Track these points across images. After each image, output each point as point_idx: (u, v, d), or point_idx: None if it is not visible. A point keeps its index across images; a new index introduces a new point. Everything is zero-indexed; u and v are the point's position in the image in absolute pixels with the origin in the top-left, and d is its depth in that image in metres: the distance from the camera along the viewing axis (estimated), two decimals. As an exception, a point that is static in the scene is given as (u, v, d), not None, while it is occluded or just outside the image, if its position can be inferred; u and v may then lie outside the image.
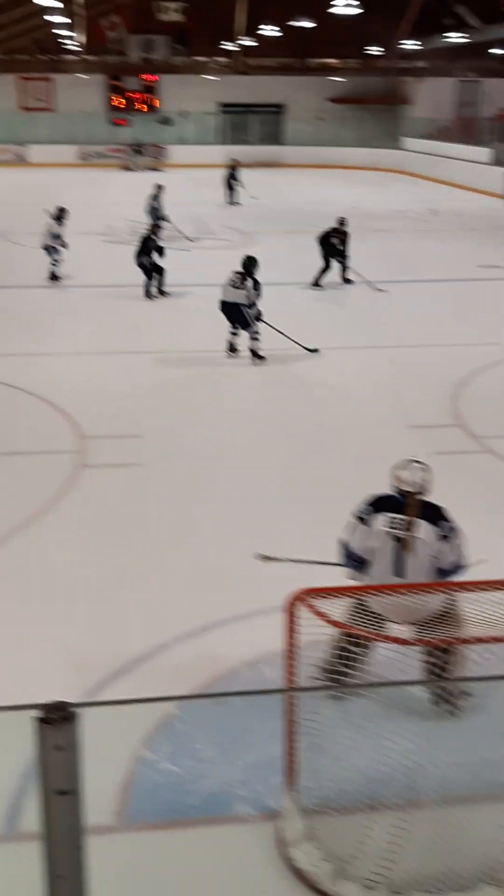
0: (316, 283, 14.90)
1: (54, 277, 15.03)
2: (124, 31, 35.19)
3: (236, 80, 38.37)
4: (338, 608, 3.93)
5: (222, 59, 37.53)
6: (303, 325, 12.50)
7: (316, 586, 3.79)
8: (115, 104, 39.67)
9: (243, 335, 10.80)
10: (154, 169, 36.38)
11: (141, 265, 13.88)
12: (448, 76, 35.39)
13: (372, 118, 39.68)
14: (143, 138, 38.81)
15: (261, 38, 34.40)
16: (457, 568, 4.45)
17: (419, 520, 4.38)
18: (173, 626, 5.33)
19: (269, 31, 32.98)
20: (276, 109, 40.91)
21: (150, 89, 39.81)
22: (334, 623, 3.82)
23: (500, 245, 19.89)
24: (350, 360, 11.03)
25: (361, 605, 4.26)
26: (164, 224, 16.56)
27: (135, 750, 4.33)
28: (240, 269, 10.81)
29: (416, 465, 4.52)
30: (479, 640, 3.69)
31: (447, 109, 36.96)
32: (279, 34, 33.23)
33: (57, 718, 1.97)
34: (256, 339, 10.73)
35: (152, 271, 13.99)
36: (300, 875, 3.64)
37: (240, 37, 35.40)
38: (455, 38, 29.28)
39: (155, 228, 14.51)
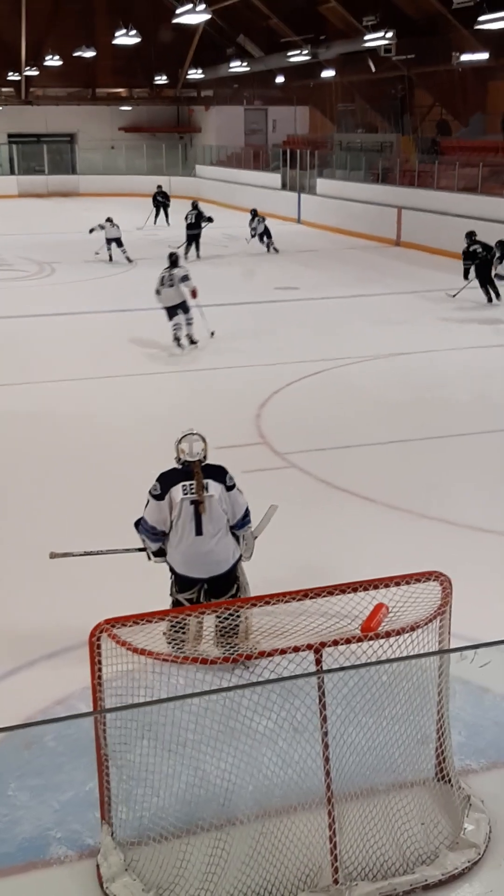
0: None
1: None
2: None
3: (24, 110, 37.92)
4: (146, 633, 3.90)
5: (7, 90, 37.00)
6: (106, 350, 12.47)
7: (120, 615, 3.74)
8: None
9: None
10: None
11: None
12: (233, 104, 36.38)
13: (163, 146, 40.15)
14: None
15: (45, 69, 34.20)
16: (245, 513, 5.08)
17: (207, 480, 4.92)
18: (-21, 672, 5.13)
19: (53, 61, 32.81)
20: (66, 139, 40.64)
21: None
22: (139, 651, 3.77)
23: (295, 266, 20.56)
24: (151, 385, 11.08)
25: (177, 623, 4.32)
26: None
27: None
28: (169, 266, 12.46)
29: (193, 436, 5.02)
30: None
31: (236, 137, 37.93)
32: (62, 64, 33.13)
33: None
34: (191, 322, 12.62)
35: None
36: (121, 910, 3.57)
37: (24, 67, 35.04)
38: (238, 67, 30.12)
39: None
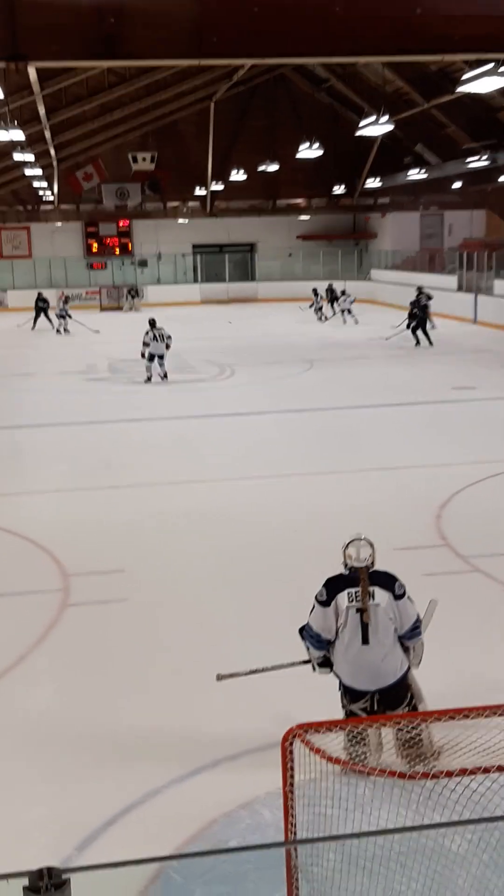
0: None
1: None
2: (98, 180, 36.77)
3: (207, 221, 39.99)
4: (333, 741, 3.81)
5: (193, 204, 39.20)
6: (283, 450, 12.66)
7: (311, 721, 3.67)
8: (93, 249, 41.06)
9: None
10: (132, 309, 37.35)
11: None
12: (410, 210, 36.99)
13: (339, 252, 41.22)
14: (120, 280, 40.02)
15: (229, 183, 36.04)
16: (415, 623, 4.92)
17: (374, 587, 4.81)
18: (164, 771, 5.13)
19: (237, 176, 34.57)
20: (246, 248, 42.44)
21: (124, 234, 41.28)
22: (332, 759, 3.68)
23: (472, 367, 20.37)
24: (328, 485, 11.08)
25: (356, 734, 4.21)
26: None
27: (129, 906, 4.09)
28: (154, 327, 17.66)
29: (360, 541, 4.94)
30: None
31: (412, 241, 38.46)
32: (246, 179, 34.80)
33: (46, 886, 1.81)
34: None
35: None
36: None
37: (210, 182, 37.10)
38: (415, 175, 30.72)
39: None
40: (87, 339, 26.77)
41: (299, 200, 40.23)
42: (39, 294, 31.09)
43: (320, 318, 30.29)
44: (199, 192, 38.24)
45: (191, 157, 36.55)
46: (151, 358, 18.58)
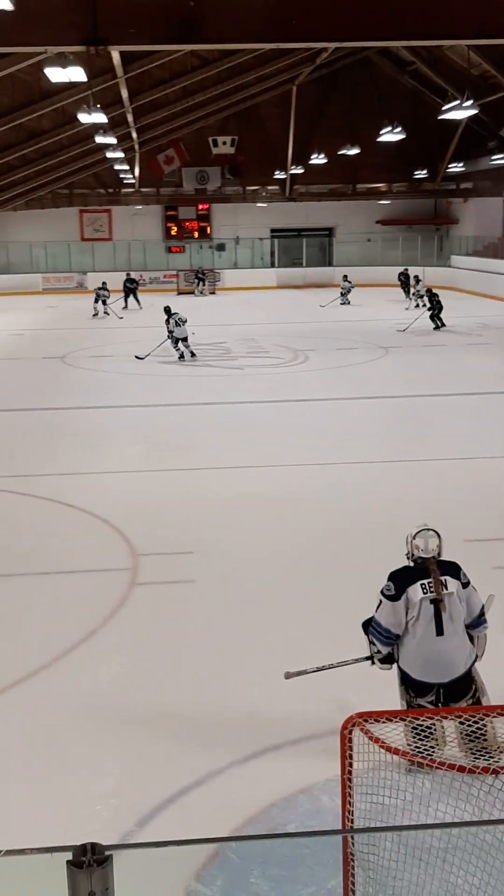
0: None
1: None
2: (179, 164, 36.92)
3: (286, 205, 39.85)
4: (393, 731, 3.80)
5: (272, 188, 39.10)
6: (355, 437, 12.59)
7: (371, 710, 3.67)
8: (172, 233, 41.32)
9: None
10: (210, 293, 37.54)
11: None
12: (494, 196, 36.25)
13: (419, 238, 40.68)
14: (196, 264, 40.21)
15: (309, 167, 35.82)
16: (482, 611, 4.90)
17: (445, 577, 4.77)
18: (225, 752, 5.18)
19: (317, 159, 34.34)
20: (325, 233, 42.17)
21: (203, 217, 41.42)
22: (390, 749, 3.67)
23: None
24: (400, 473, 10.98)
25: (422, 728, 4.18)
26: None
27: (186, 882, 4.15)
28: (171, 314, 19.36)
29: (428, 531, 4.90)
30: None
31: (494, 227, 37.71)
32: (326, 162, 34.55)
33: (89, 862, 1.83)
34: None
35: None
36: None
37: (290, 166, 36.93)
38: (499, 159, 30.10)
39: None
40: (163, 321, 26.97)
41: (380, 185, 39.78)
42: (128, 275, 32.08)
43: (344, 303, 31.04)
44: (279, 175, 38.10)
45: (271, 140, 36.42)
46: (177, 342, 19.75)
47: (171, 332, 19.80)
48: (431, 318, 23.99)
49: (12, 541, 8.87)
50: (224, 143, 35.66)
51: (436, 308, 24.01)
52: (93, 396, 16.17)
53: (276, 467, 11.27)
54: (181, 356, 19.78)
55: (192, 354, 19.86)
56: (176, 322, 19.71)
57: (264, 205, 40.23)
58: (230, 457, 11.77)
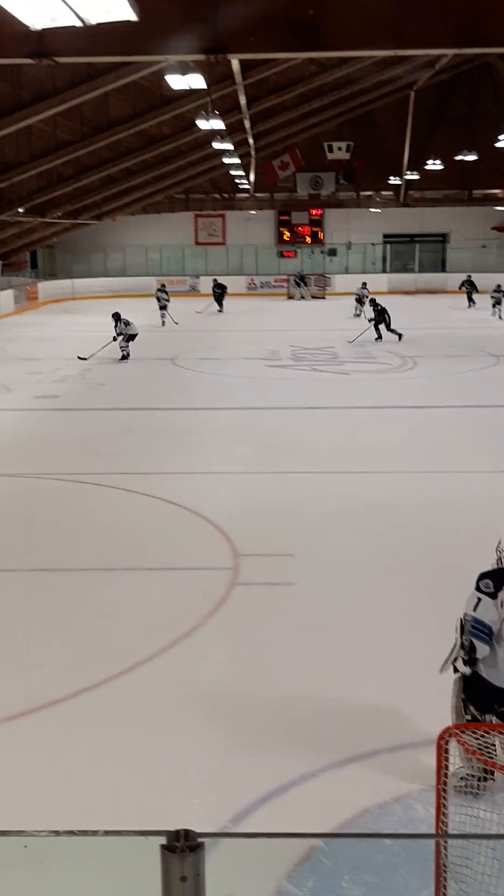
0: None
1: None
2: (294, 169, 37.08)
3: (400, 211, 39.56)
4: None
5: (387, 193, 38.87)
6: (459, 446, 12.40)
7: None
8: (284, 237, 41.55)
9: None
10: (318, 297, 37.56)
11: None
12: None
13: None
14: (308, 269, 40.30)
15: (425, 172, 35.47)
16: None
17: None
18: (321, 754, 5.20)
19: (433, 165, 33.97)
20: (438, 238, 41.67)
21: (316, 222, 41.49)
22: (487, 763, 3.63)
23: None
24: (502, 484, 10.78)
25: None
26: None
27: (277, 880, 4.19)
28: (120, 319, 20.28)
29: None
30: None
31: None
32: (443, 168, 34.15)
33: (181, 847, 1.89)
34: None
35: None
36: None
37: (405, 171, 36.65)
38: None
39: None
40: (272, 325, 27.14)
41: (497, 191, 39.06)
42: (215, 281, 32.66)
43: (358, 314, 29.16)
44: (394, 181, 37.86)
45: (386, 145, 36.23)
46: (128, 339, 20.88)
47: (120, 333, 20.75)
48: (375, 327, 23.53)
49: (119, 536, 9.09)
50: (339, 148, 35.65)
51: (378, 318, 23.49)
52: (201, 398, 16.40)
53: (380, 473, 11.21)
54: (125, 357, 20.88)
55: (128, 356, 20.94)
56: (127, 322, 20.88)
57: (378, 210, 40.05)
58: (335, 461, 11.76)
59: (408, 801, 4.72)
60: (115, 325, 20.85)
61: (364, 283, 30.84)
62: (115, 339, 20.81)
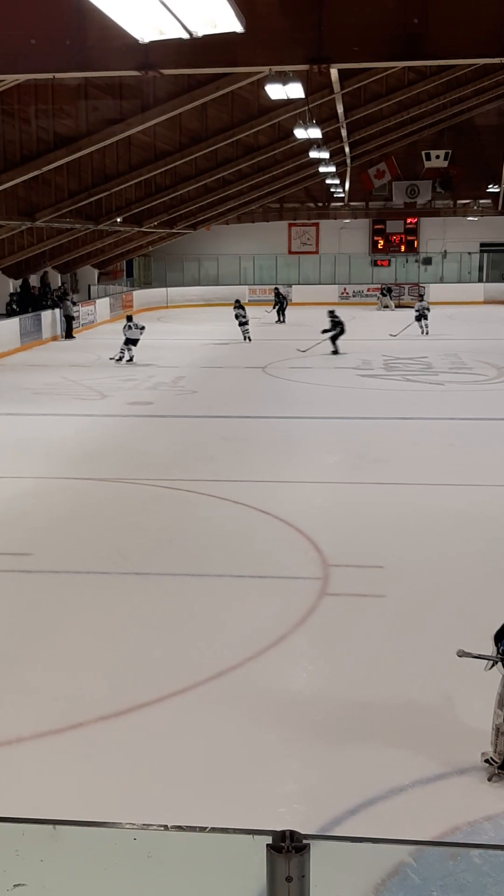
0: None
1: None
2: (390, 178, 36.86)
3: (498, 219, 38.91)
4: None
5: (484, 201, 38.28)
6: None
7: None
8: (378, 246, 41.33)
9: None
10: (409, 307, 37.22)
11: None
12: None
13: None
14: (402, 278, 39.99)
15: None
16: None
17: None
18: (409, 768, 5.14)
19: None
20: (538, 248, 40.91)
21: (411, 231, 41.15)
22: None
23: None
24: None
25: None
26: None
27: (364, 893, 4.15)
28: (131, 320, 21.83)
29: None
30: None
31: None
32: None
33: (287, 847, 1.92)
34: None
35: None
36: None
37: None
38: None
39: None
40: (363, 334, 26.99)
41: None
42: (277, 290, 33.10)
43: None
44: (492, 189, 37.26)
45: (486, 153, 35.65)
46: (130, 343, 22.14)
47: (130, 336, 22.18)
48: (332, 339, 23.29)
49: (209, 543, 9.16)
50: (437, 156, 35.28)
51: (337, 331, 23.22)
52: (293, 407, 16.42)
53: (473, 486, 11.04)
54: (120, 358, 22.22)
55: (131, 359, 22.12)
56: (131, 327, 22.29)
57: (475, 219, 39.48)
58: (427, 472, 11.63)
59: (499, 821, 4.63)
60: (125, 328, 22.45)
61: (421, 295, 31.34)
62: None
